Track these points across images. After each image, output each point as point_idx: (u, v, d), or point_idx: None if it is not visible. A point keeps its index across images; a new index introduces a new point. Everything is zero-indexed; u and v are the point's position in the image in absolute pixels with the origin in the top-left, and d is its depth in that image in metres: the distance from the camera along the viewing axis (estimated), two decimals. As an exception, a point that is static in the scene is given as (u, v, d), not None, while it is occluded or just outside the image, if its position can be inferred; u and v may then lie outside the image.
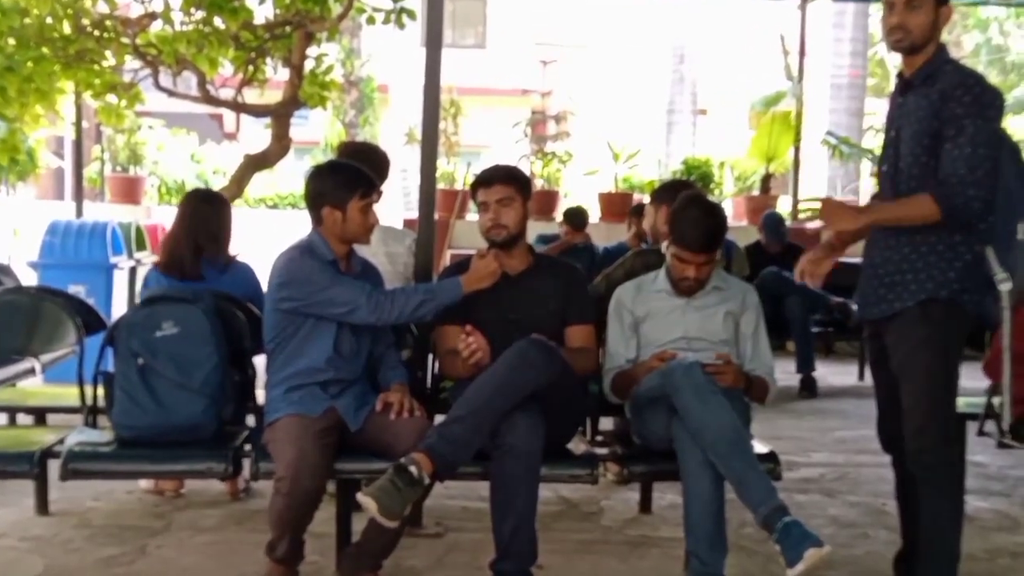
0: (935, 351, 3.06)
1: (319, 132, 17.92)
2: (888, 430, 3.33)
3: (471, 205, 10.02)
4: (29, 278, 6.26)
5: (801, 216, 2.81)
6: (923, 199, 3.02)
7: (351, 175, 3.56)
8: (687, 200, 3.77)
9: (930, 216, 3.01)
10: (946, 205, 2.98)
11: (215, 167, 15.10)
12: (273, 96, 7.12)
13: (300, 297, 3.44)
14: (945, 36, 3.21)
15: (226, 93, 7.02)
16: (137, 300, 4.03)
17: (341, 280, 3.48)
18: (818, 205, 3.19)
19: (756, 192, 11.29)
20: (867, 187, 13.69)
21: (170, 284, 4.03)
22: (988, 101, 3.02)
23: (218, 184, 12.65)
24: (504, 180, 3.70)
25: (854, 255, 3.43)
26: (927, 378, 3.08)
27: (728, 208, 11.06)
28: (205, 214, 4.24)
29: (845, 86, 15.09)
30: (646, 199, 7.80)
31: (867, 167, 13.15)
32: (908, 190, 3.12)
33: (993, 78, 21.81)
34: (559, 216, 8.99)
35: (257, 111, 7.21)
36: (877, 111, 16.60)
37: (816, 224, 3.23)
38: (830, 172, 14.55)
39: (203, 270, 4.13)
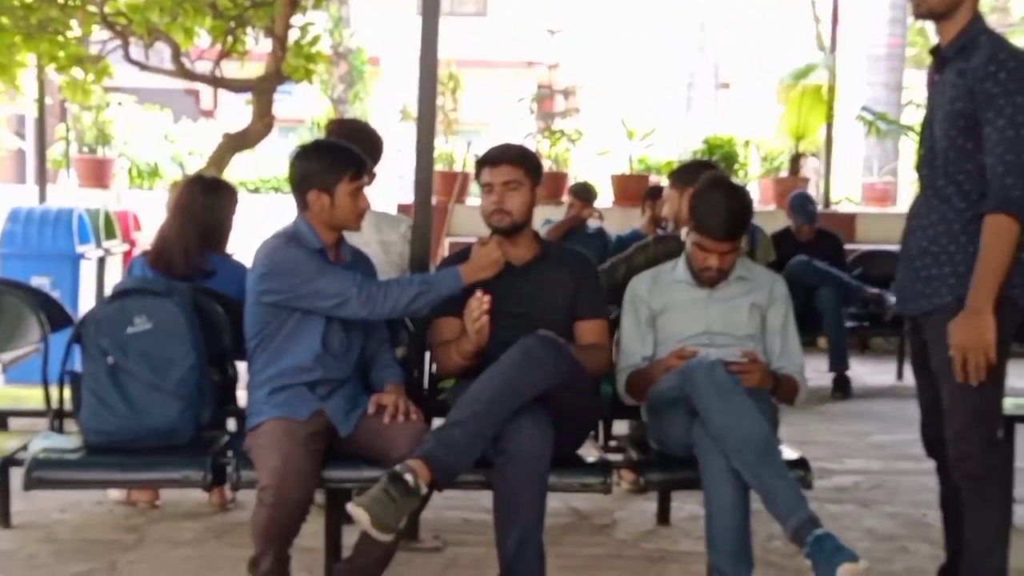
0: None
1: (305, 109, 17.92)
2: (931, 433, 3.33)
3: (472, 189, 10.13)
4: (-12, 270, 6.28)
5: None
6: (994, 227, 2.95)
7: (340, 155, 3.55)
8: (709, 183, 3.77)
9: (1015, 232, 2.95)
10: (1015, 207, 2.93)
11: (191, 148, 15.09)
12: (254, 70, 7.13)
13: (285, 289, 3.45)
14: (993, 1, 3.19)
15: (203, 66, 7.02)
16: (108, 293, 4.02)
17: (329, 270, 3.48)
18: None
19: (784, 174, 11.27)
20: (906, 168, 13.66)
21: (155, 278, 3.99)
22: None
23: (195, 166, 12.66)
24: (514, 161, 3.70)
25: (892, 243, 3.41)
26: (970, 377, 3.07)
27: (754, 191, 11.05)
28: (203, 206, 4.19)
29: (883, 57, 15.08)
30: (663, 181, 7.78)
31: (907, 145, 13.12)
32: (946, 176, 3.10)
33: (1045, 47, 21.78)
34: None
35: (237, 86, 7.21)
36: (917, 84, 16.57)
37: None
38: (866, 151, 14.53)
39: (195, 267, 4.06)
